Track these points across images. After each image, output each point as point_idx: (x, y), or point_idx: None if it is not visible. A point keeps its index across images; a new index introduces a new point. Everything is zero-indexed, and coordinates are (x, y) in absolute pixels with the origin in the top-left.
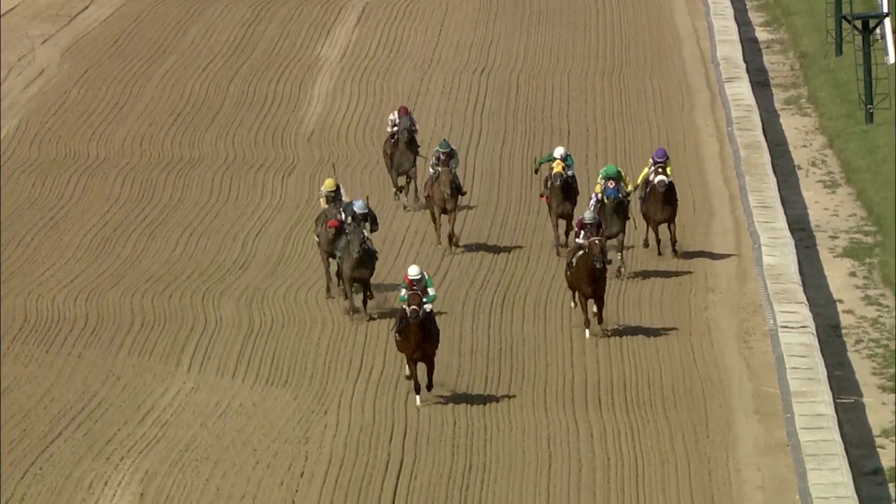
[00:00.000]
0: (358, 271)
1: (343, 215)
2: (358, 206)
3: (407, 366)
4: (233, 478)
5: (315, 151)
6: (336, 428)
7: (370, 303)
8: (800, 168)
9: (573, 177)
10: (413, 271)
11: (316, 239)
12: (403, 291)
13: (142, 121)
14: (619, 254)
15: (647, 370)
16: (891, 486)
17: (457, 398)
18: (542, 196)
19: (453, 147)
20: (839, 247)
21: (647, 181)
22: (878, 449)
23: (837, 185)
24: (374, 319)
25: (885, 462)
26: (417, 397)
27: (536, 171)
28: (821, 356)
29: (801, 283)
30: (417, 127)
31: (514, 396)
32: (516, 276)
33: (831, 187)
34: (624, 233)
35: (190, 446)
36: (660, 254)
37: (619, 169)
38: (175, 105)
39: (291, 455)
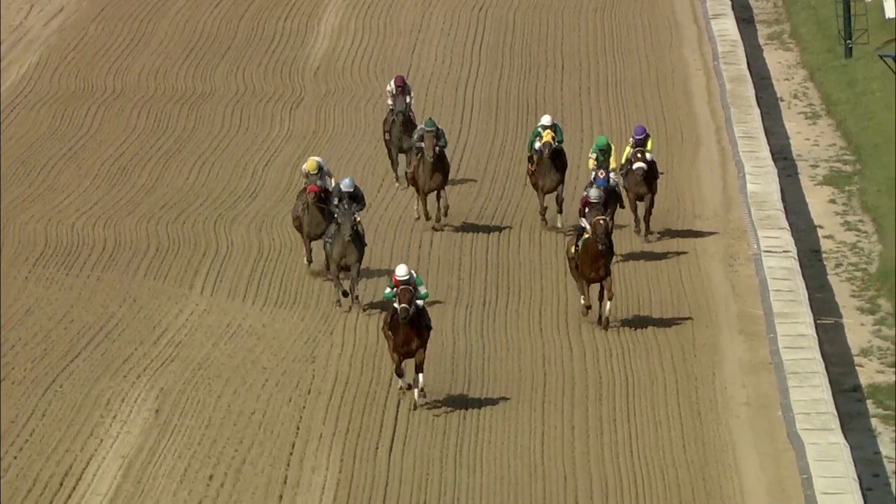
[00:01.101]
0: (347, 257)
1: (334, 199)
2: (345, 185)
3: (396, 374)
4: (243, 395)
5: (321, 85)
6: (342, 348)
7: (358, 287)
8: (782, 100)
9: (562, 149)
10: (401, 271)
11: (296, 223)
12: (388, 290)
13: (156, 56)
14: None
15: (637, 293)
16: (869, 402)
17: (456, 321)
18: (529, 171)
19: (439, 127)
20: (819, 175)
21: (629, 161)
22: (856, 367)
23: (818, 116)
24: (365, 310)
25: (864, 379)
26: (408, 393)
27: (531, 158)
28: (802, 279)
29: (783, 209)
30: (413, 99)
31: (510, 318)
32: (511, 205)
33: (812, 118)
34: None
35: (203, 365)
36: (637, 231)
37: (610, 143)
38: (188, 41)
39: (299, 373)
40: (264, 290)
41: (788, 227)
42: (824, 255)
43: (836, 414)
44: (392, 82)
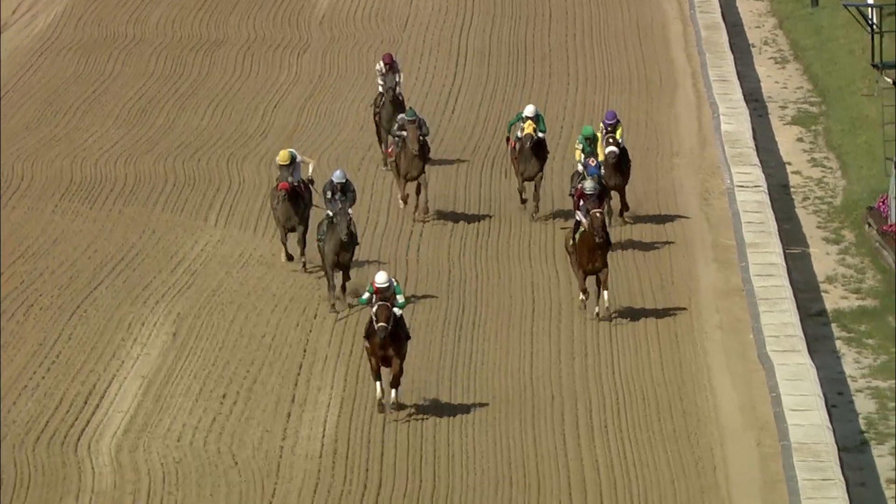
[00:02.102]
0: (341, 255)
1: (326, 193)
2: (336, 176)
3: (370, 366)
4: (254, 319)
5: (326, 32)
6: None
7: (348, 286)
8: (753, 46)
9: (543, 139)
10: (381, 278)
11: (274, 213)
12: (366, 294)
13: (173, 5)
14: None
15: (619, 227)
16: (833, 325)
17: (451, 252)
18: (513, 159)
19: (420, 116)
20: (788, 115)
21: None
22: (822, 293)
23: (787, 61)
24: (354, 307)
25: (829, 305)
26: (377, 385)
27: (508, 140)
28: (772, 212)
29: (754, 147)
30: (402, 79)
31: (501, 249)
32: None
33: (781, 63)
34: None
35: (216, 292)
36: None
37: (596, 133)
38: None
39: (305, 300)
40: (273, 223)
41: (759, 164)
42: (792, 190)
43: (803, 337)
44: (381, 61)
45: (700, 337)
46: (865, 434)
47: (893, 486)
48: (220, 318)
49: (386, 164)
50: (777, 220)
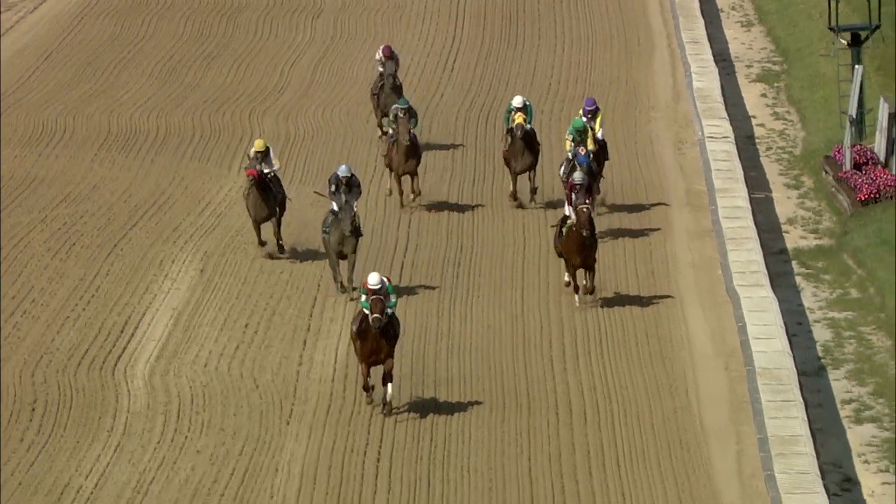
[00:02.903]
0: (345, 247)
1: (331, 187)
2: (342, 171)
3: (360, 372)
4: (276, 257)
5: None
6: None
7: (354, 275)
8: (722, 11)
9: (533, 130)
10: (373, 279)
11: (245, 202)
12: (364, 297)
13: None
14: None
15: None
16: (793, 262)
17: (451, 196)
18: (504, 152)
19: (412, 106)
20: (753, 73)
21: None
22: (783, 233)
23: (752, 24)
24: (355, 299)
25: (789, 244)
26: (366, 394)
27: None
28: (739, 160)
29: (723, 102)
30: (399, 66)
31: (494, 196)
32: (497, 105)
33: (747, 26)
34: (592, 184)
35: (239, 232)
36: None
37: (588, 125)
38: None
39: (316, 241)
40: (290, 170)
41: (727, 117)
42: (757, 140)
43: (766, 273)
44: (380, 51)
45: (675, 273)
46: (822, 360)
47: (847, 406)
48: (242, 256)
49: (382, 133)
50: (743, 167)
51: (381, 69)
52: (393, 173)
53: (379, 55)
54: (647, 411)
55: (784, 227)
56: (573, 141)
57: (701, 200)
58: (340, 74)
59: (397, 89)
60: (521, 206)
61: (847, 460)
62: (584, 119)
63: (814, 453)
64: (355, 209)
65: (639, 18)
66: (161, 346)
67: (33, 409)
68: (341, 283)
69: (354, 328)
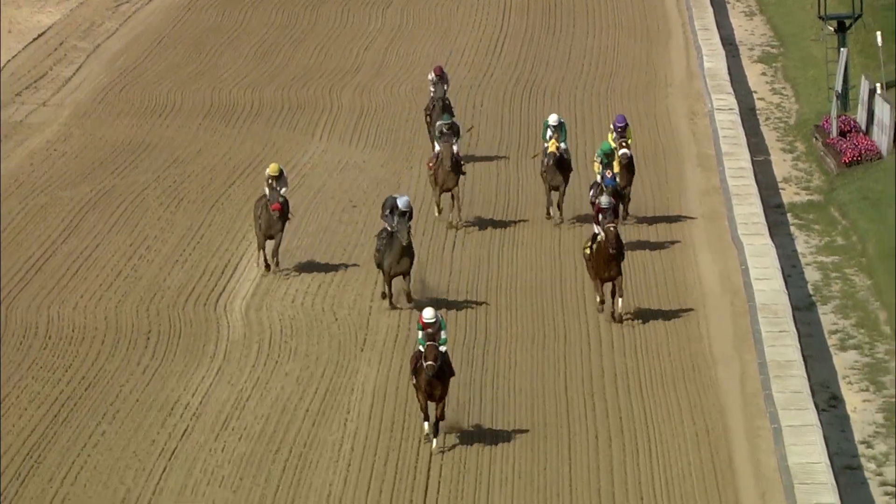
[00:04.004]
0: (401, 264)
1: (385, 211)
2: (402, 203)
3: (418, 401)
4: (349, 210)
5: None
6: (418, 176)
7: (411, 287)
8: (728, 2)
9: (566, 150)
10: (428, 314)
11: (256, 221)
12: (420, 334)
13: None
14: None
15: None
16: (788, 215)
17: (501, 161)
18: (542, 172)
19: (455, 121)
20: (755, 56)
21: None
22: (780, 190)
23: (754, 14)
24: (412, 308)
25: (785, 199)
26: (426, 424)
27: (535, 156)
28: (742, 128)
29: (729, 79)
30: (449, 86)
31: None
32: (541, 85)
33: (749, 15)
34: (618, 206)
35: (321, 190)
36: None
37: (614, 149)
38: None
39: (387, 195)
40: (364, 136)
41: (733, 92)
42: (758, 112)
43: (765, 223)
44: (432, 72)
45: (688, 223)
46: (812, 297)
47: (833, 336)
48: (323, 210)
49: (432, 139)
50: (746, 134)
51: (432, 90)
52: (437, 189)
53: (431, 76)
54: (664, 341)
55: (780, 185)
56: (601, 163)
57: (710, 162)
58: (407, 57)
59: (448, 109)
60: (550, 216)
61: (833, 381)
62: (613, 129)
63: (805, 376)
64: (410, 230)
65: (658, 9)
66: (255, 286)
67: (148, 338)
68: (391, 300)
69: (412, 368)
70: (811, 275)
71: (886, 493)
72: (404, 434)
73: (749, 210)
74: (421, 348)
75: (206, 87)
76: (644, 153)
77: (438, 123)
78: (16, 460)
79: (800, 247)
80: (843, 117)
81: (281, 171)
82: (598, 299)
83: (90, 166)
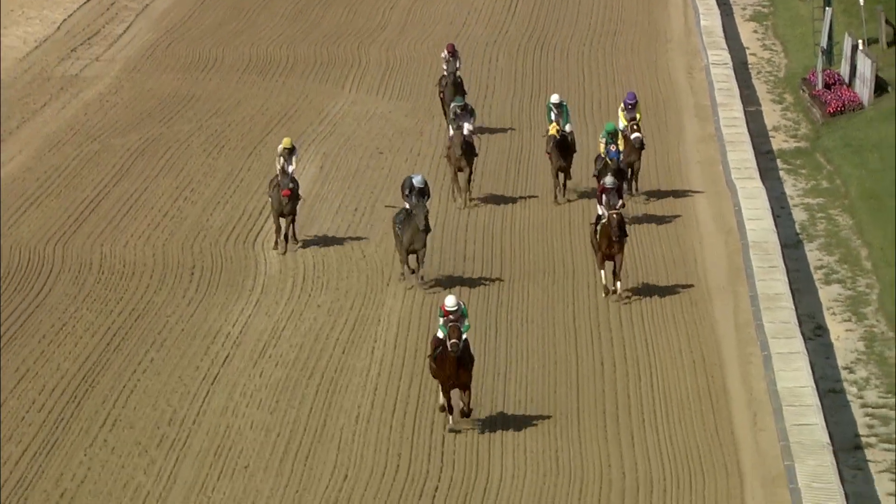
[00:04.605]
0: (416, 243)
1: (405, 190)
2: (417, 181)
3: (440, 394)
4: (376, 157)
5: None
6: (439, 126)
7: (423, 267)
8: None
9: (570, 132)
10: (450, 302)
11: (271, 201)
12: (441, 321)
13: None
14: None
15: (617, 88)
16: (778, 161)
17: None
18: (547, 153)
19: (469, 104)
20: (748, 14)
21: (622, 130)
22: (770, 137)
23: None
24: (428, 287)
25: (775, 146)
26: (450, 418)
27: (544, 136)
28: (735, 81)
29: (724, 36)
30: (461, 65)
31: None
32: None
33: None
34: (622, 185)
35: (350, 137)
36: (627, 186)
37: (618, 129)
38: None
39: (410, 143)
40: (390, 89)
41: (727, 48)
42: (750, 66)
43: (756, 168)
44: (445, 50)
45: (685, 168)
46: (800, 235)
47: (818, 271)
48: (352, 156)
49: (449, 124)
50: (739, 87)
51: (444, 67)
52: (451, 167)
53: (444, 53)
54: (664, 276)
55: (770, 133)
56: (606, 143)
57: (706, 112)
58: (428, 16)
59: (459, 86)
60: (558, 203)
61: (819, 312)
62: (625, 106)
63: (793, 307)
64: (427, 208)
65: None
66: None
67: (192, 273)
68: (413, 271)
69: (431, 354)
70: (798, 215)
71: (867, 415)
72: (427, 361)
73: (741, 156)
74: (440, 334)
75: (245, 44)
76: (645, 104)
77: (452, 105)
78: (72, 384)
79: (788, 190)
80: (828, 71)
81: (293, 147)
82: (601, 271)
83: (139, 116)
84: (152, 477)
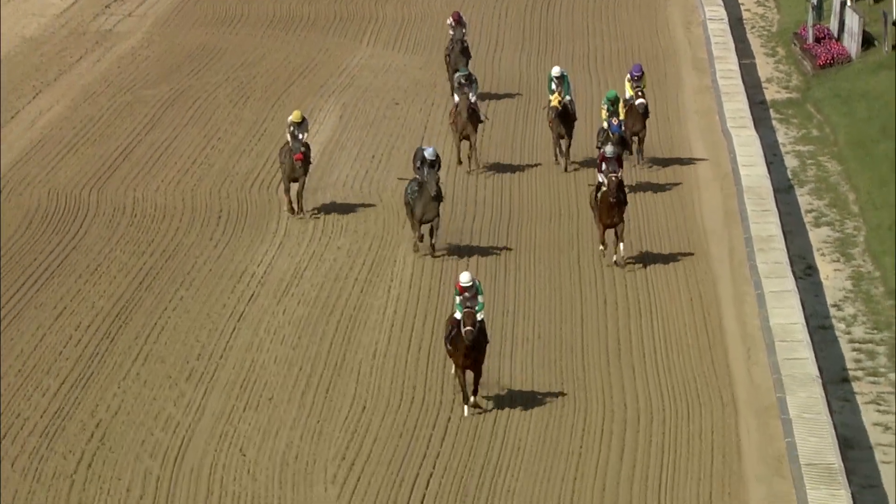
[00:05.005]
0: (428, 213)
1: (416, 163)
2: (428, 153)
3: (455, 373)
4: (392, 107)
5: None
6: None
7: (437, 236)
8: None
9: (570, 101)
10: (465, 278)
11: (282, 166)
12: (458, 298)
13: None
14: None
15: (627, 49)
16: (771, 111)
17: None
18: (549, 121)
19: (472, 73)
20: None
21: (627, 99)
22: (763, 88)
23: None
24: (440, 256)
25: (768, 96)
26: (465, 407)
27: (544, 108)
28: (731, 36)
29: None
30: (466, 31)
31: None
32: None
33: None
34: (622, 155)
35: (368, 89)
36: (631, 154)
37: (619, 96)
38: None
39: (424, 94)
40: (406, 44)
41: (722, 4)
42: (745, 21)
43: (750, 118)
44: (450, 17)
45: (684, 117)
46: (791, 181)
47: (809, 214)
48: (369, 106)
49: (453, 93)
50: (734, 41)
51: (451, 33)
52: (456, 135)
53: (450, 21)
54: (664, 220)
55: (764, 85)
56: (608, 111)
57: (703, 65)
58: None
59: (465, 51)
60: (557, 162)
61: (809, 253)
62: (630, 78)
63: (784, 248)
64: (438, 177)
65: None
66: (311, 172)
67: (219, 217)
68: (420, 237)
69: (446, 334)
70: (790, 162)
71: (854, 350)
72: (440, 299)
73: (736, 106)
74: (458, 314)
75: (269, 1)
76: (646, 57)
77: (456, 75)
78: (106, 321)
79: (780, 137)
80: (818, 26)
81: (303, 119)
82: (600, 246)
83: (169, 69)
84: (182, 408)
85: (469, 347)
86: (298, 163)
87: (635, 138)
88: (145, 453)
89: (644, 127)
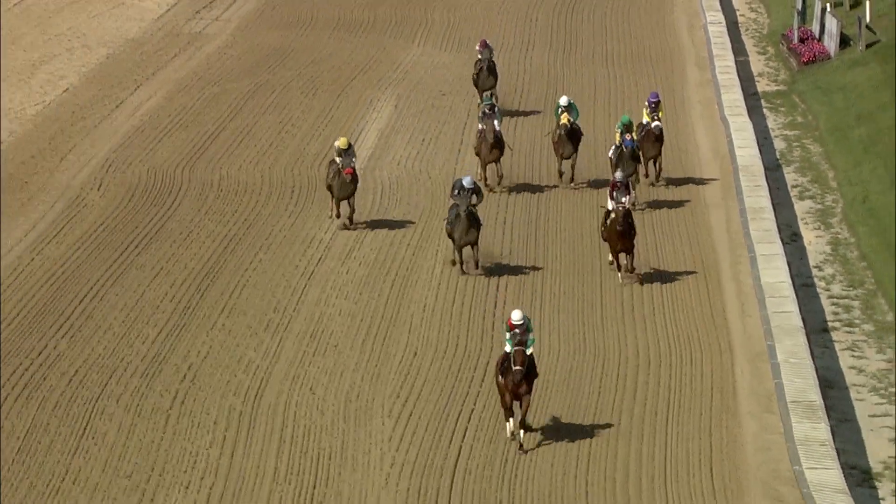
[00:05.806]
0: (468, 236)
1: (454, 191)
2: (466, 182)
3: (502, 402)
4: (440, 98)
5: None
6: (499, 61)
7: (479, 255)
8: None
9: (577, 125)
10: (516, 316)
11: (329, 186)
12: (508, 335)
13: None
14: (633, 192)
15: (640, 48)
16: (762, 100)
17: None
18: (554, 143)
19: (496, 105)
20: None
21: (643, 124)
22: (756, 82)
23: None
24: (482, 275)
25: (760, 88)
26: (508, 424)
27: (548, 134)
28: (728, 37)
29: (718, 0)
30: (494, 55)
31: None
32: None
33: None
34: (636, 172)
35: (420, 83)
36: (646, 175)
37: (631, 120)
38: None
39: (467, 87)
40: (451, 43)
41: (721, 10)
42: (740, 25)
43: (745, 107)
44: (478, 45)
45: (686, 107)
46: (779, 161)
47: (794, 189)
48: (422, 97)
49: (480, 121)
50: (731, 41)
51: (479, 56)
52: (481, 162)
53: (477, 47)
54: (670, 194)
55: (756, 78)
56: (621, 134)
57: (704, 62)
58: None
59: (492, 71)
60: (561, 180)
61: (794, 222)
62: (647, 105)
63: (773, 218)
64: (472, 201)
65: None
66: (370, 152)
67: (293, 191)
68: (460, 261)
69: (497, 369)
70: (778, 144)
71: (833, 304)
72: (482, 262)
73: (733, 97)
74: (508, 348)
75: (335, 7)
76: (654, 55)
77: (481, 106)
78: (196, 279)
79: (770, 123)
80: (803, 28)
81: (349, 145)
82: (609, 259)
83: (250, 65)
84: (261, 354)
85: (517, 384)
86: (348, 177)
87: (651, 162)
88: (230, 392)
89: (660, 153)
